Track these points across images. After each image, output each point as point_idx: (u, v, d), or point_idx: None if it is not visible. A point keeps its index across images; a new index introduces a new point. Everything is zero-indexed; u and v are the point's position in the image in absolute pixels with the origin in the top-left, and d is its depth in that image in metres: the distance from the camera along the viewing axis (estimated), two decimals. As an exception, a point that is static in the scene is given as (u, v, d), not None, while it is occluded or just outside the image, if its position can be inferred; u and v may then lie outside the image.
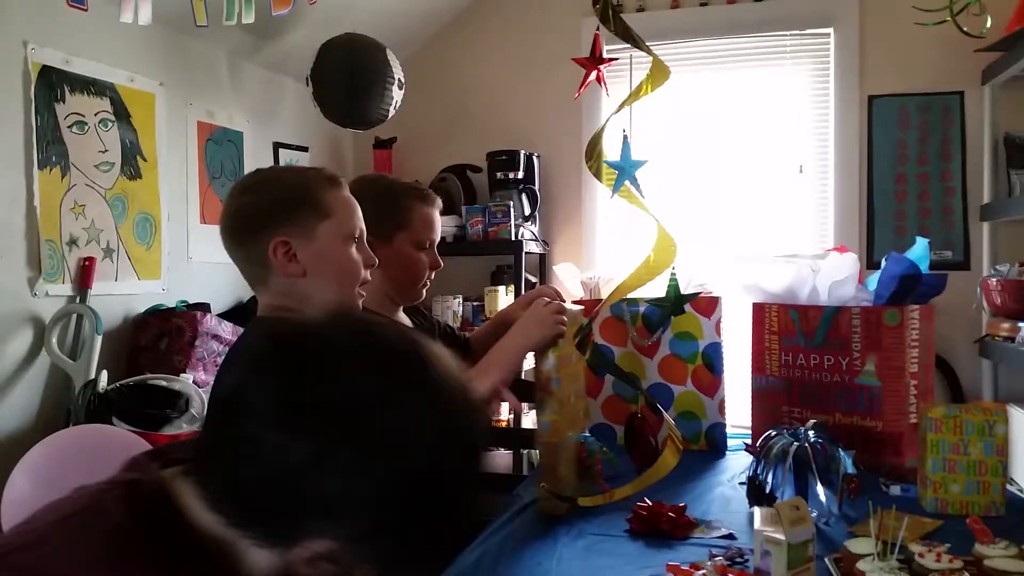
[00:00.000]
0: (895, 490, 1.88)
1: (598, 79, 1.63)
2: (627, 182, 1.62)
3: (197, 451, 0.81)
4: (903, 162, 3.15)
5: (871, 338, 2.13)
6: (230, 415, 0.76)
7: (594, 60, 1.61)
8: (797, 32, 3.22)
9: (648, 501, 1.66)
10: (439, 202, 1.87)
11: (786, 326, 2.28)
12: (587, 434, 1.89)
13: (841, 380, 2.17)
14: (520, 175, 3.28)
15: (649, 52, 1.58)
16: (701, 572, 1.28)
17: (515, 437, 3.10)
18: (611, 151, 1.64)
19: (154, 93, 2.60)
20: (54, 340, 2.18)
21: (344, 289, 1.44)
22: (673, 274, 2.13)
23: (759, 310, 2.35)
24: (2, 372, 2.10)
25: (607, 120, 1.65)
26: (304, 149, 3.41)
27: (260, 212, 1.40)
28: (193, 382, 2.32)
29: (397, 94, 2.98)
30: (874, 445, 2.09)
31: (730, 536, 1.57)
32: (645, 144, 3.28)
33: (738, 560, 1.42)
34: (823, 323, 2.20)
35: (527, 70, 3.49)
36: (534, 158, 3.35)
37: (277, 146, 3.26)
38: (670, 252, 1.65)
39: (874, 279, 2.26)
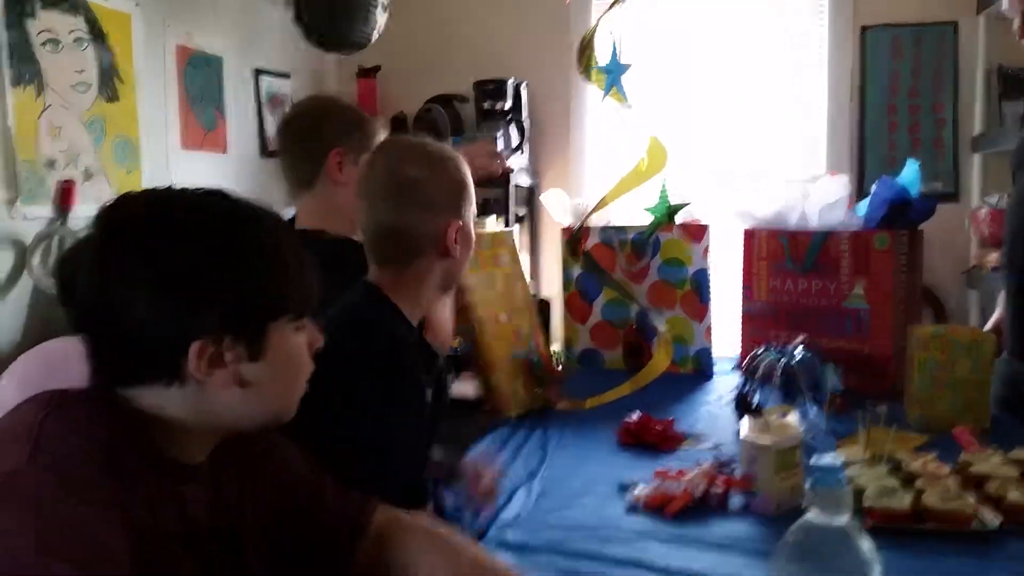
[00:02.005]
0: (882, 409, 1.87)
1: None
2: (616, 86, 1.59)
3: None
4: (895, 93, 3.12)
5: (860, 262, 2.13)
6: None
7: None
8: (792, -41, 3.16)
9: (636, 415, 1.67)
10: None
11: (775, 252, 2.27)
12: (530, 350, 1.93)
13: (829, 304, 2.18)
14: (508, 105, 3.22)
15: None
16: (688, 476, 1.29)
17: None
18: (602, 55, 1.61)
19: (130, 13, 2.52)
20: (36, 262, 2.14)
21: None
22: (663, 183, 2.11)
23: (748, 236, 2.33)
24: (-18, 294, 2.06)
25: (598, 20, 1.62)
26: (286, 76, 3.33)
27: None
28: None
29: (381, 17, 2.91)
30: (861, 368, 2.10)
31: (717, 447, 1.58)
32: (635, 64, 3.24)
33: (725, 468, 1.43)
34: (812, 248, 2.19)
35: (513, -4, 3.41)
36: (522, 87, 3.29)
37: (258, 72, 3.18)
38: (661, 158, 1.63)
39: (864, 205, 2.25)
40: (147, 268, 0.79)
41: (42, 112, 2.21)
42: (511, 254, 2.03)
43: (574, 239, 1.82)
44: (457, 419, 2.06)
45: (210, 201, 0.86)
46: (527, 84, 3.32)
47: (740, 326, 2.34)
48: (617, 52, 1.56)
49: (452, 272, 1.45)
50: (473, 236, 1.48)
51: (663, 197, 2.12)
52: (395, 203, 1.36)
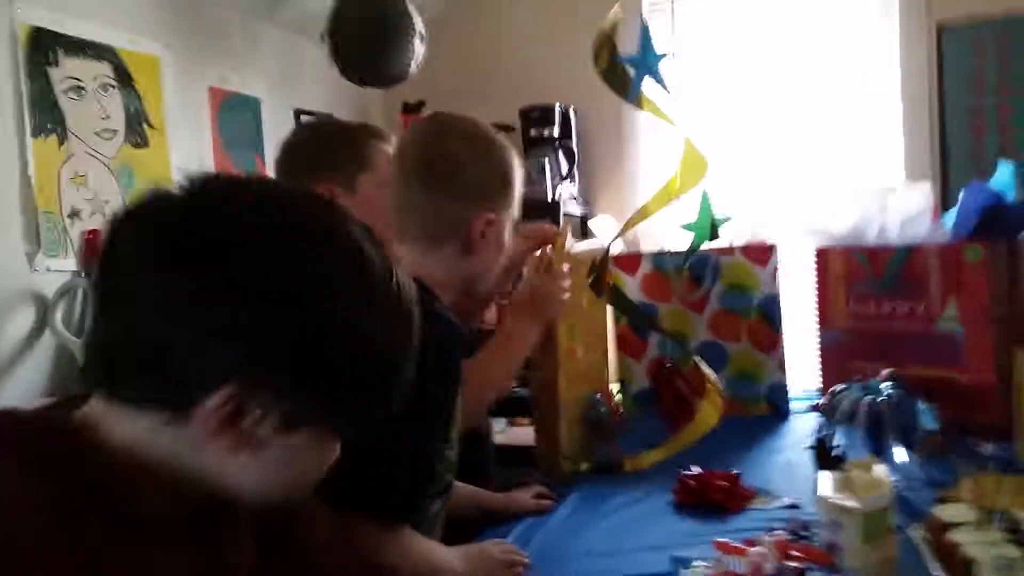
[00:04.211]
0: (988, 449, 1.62)
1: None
2: (646, 85, 1.39)
3: None
4: (979, 93, 2.83)
5: (951, 279, 1.88)
6: None
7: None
8: (854, -45, 2.94)
9: (697, 469, 1.45)
10: (394, 139, 1.68)
11: (853, 271, 2.04)
12: (595, 393, 1.71)
13: (918, 328, 1.92)
14: (556, 132, 3.07)
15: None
16: (757, 549, 1.07)
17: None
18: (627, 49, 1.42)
19: (159, 56, 2.45)
20: (58, 317, 2.06)
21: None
22: (704, 194, 1.88)
23: (822, 255, 2.10)
24: (4, 352, 1.98)
25: (616, 6, 1.42)
26: (328, 116, 3.24)
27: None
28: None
29: (419, 47, 2.79)
30: (959, 400, 1.83)
31: (793, 507, 1.35)
32: (694, 77, 3.06)
33: (803, 534, 1.20)
34: (894, 264, 1.95)
35: (557, 18, 3.25)
36: (570, 112, 3.12)
37: (299, 113, 3.10)
38: (699, 169, 1.43)
39: (952, 215, 2.01)
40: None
41: (65, 161, 2.14)
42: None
43: (596, 270, 1.58)
44: (504, 469, 1.89)
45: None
46: (575, 109, 3.15)
47: (818, 358, 2.10)
48: (650, 39, 1.34)
49: (474, 275, 1.31)
50: (506, 240, 1.31)
51: (704, 210, 1.89)
52: (424, 178, 1.24)
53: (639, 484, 1.49)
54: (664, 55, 1.39)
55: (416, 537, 1.13)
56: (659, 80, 1.40)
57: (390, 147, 1.63)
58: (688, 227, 1.98)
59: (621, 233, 1.68)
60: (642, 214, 1.49)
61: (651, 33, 1.38)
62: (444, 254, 1.25)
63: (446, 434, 1.16)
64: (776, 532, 1.18)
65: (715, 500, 1.36)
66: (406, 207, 1.27)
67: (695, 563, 1.08)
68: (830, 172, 2.92)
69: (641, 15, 1.44)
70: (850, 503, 1.02)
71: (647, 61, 1.37)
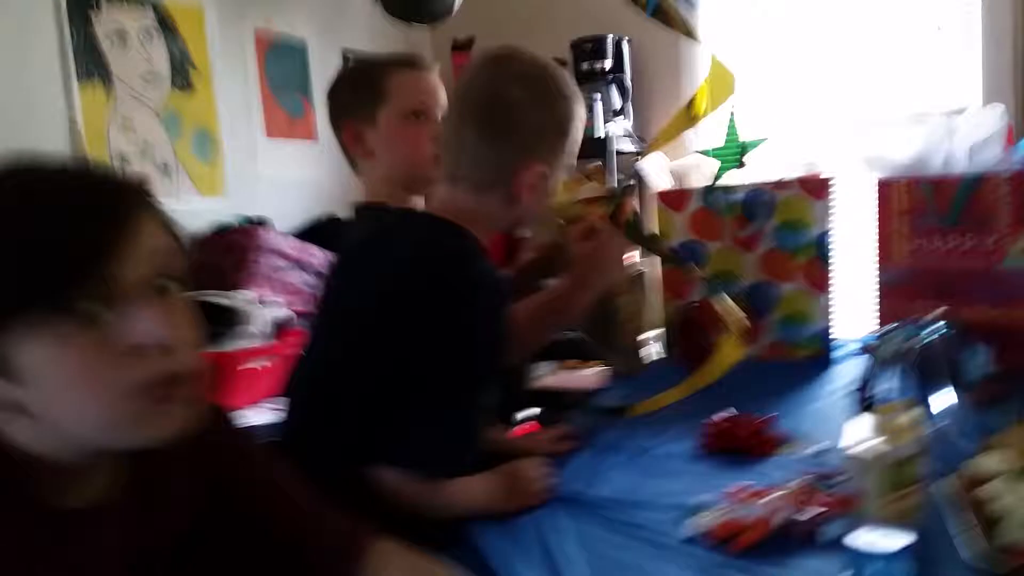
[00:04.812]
0: (1052, 394, 1.51)
1: None
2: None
3: None
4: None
5: (1022, 211, 1.74)
6: None
7: None
8: None
9: (725, 413, 1.38)
10: (430, 64, 1.65)
11: (917, 203, 1.90)
12: None
13: (984, 266, 1.79)
14: (608, 64, 2.95)
15: None
16: (776, 494, 1.01)
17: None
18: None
19: (202, 3, 2.43)
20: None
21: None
22: (731, 117, 1.77)
23: (884, 187, 1.97)
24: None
25: None
26: (378, 56, 3.20)
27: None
28: (258, 299, 2.22)
29: (463, -19, 2.71)
30: (1021, 344, 1.71)
31: (827, 452, 1.28)
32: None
33: (833, 482, 1.13)
34: (960, 195, 1.81)
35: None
36: (624, 43, 3.00)
37: (346, 54, 3.06)
38: (727, 84, 1.33)
39: (1027, 140, 1.85)
40: None
41: (112, 107, 2.16)
42: None
43: (614, 205, 1.49)
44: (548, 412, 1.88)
45: None
46: (629, 40, 3.02)
47: (877, 298, 1.99)
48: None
49: (517, 221, 1.33)
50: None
51: (731, 134, 1.78)
52: (479, 122, 1.20)
53: (666, 429, 1.43)
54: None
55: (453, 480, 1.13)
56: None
57: (418, 72, 1.62)
58: (714, 152, 1.88)
59: (643, 155, 1.60)
60: (666, 135, 1.41)
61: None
62: (490, 199, 1.22)
63: (483, 387, 1.16)
64: (804, 478, 1.11)
65: (743, 445, 1.30)
66: (456, 147, 1.23)
67: (703, 511, 1.02)
68: (892, 98, 2.73)
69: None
70: (872, 450, 0.95)
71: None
